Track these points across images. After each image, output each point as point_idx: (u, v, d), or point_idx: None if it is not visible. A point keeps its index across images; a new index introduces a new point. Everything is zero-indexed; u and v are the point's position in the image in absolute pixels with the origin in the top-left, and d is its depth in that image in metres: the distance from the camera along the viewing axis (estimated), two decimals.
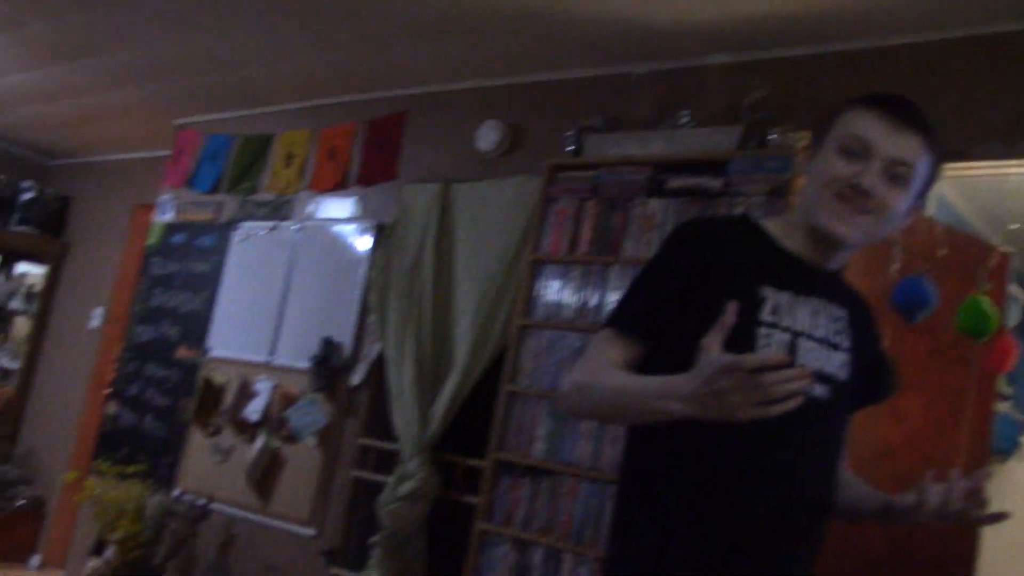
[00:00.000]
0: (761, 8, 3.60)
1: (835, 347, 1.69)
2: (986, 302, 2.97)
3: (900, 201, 1.65)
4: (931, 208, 3.86)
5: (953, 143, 3.32)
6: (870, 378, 1.81)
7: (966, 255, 3.40)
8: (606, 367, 1.63)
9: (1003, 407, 4.40)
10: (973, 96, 3.42)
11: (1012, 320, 4.25)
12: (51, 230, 7.52)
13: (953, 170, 3.45)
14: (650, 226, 3.75)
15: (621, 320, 1.71)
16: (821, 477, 1.70)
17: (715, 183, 3.61)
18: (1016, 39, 3.39)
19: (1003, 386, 4.38)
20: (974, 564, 3.55)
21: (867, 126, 1.64)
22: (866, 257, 3.29)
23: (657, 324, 1.66)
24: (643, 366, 1.65)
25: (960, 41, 3.50)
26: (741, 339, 1.55)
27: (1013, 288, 3.92)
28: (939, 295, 2.96)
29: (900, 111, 1.65)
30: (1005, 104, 3.34)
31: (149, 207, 6.52)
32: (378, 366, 4.67)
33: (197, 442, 5.37)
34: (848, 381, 1.71)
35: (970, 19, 3.43)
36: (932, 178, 1.72)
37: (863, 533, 3.17)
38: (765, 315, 1.62)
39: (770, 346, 1.60)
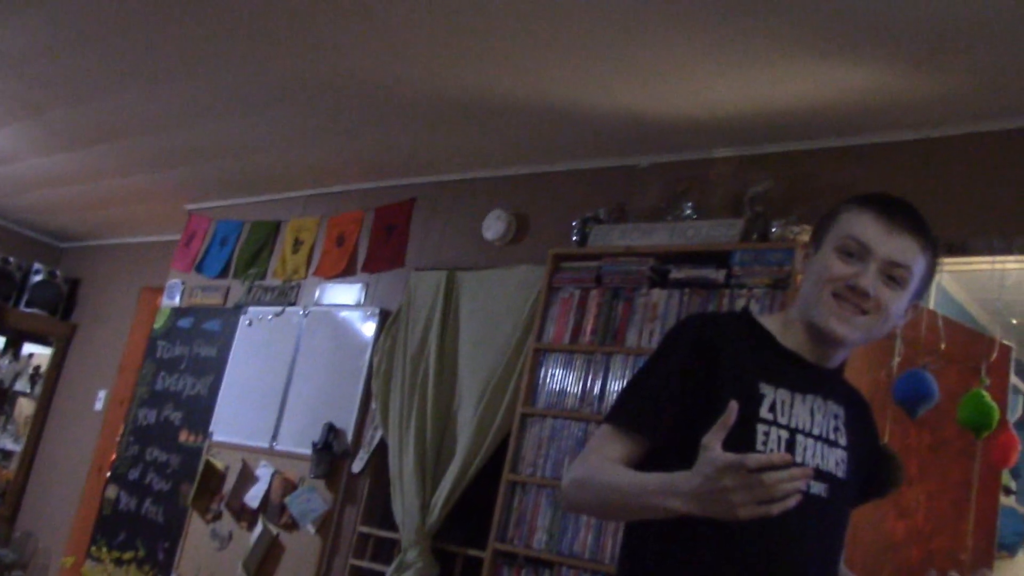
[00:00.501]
0: (764, 104, 3.69)
1: (833, 444, 1.70)
2: (987, 396, 2.97)
3: (897, 301, 1.68)
4: (932, 301, 3.89)
5: (952, 238, 3.38)
6: (869, 475, 1.81)
7: (967, 348, 3.41)
8: (606, 463, 1.63)
9: (1008, 501, 4.36)
10: (971, 192, 3.48)
11: (1014, 414, 4.24)
12: (59, 312, 7.58)
13: (953, 264, 3.49)
14: (653, 316, 3.78)
15: (622, 416, 1.69)
16: (820, 574, 1.70)
17: (718, 275, 3.65)
18: (1012, 137, 3.46)
19: (1007, 480, 4.35)
20: None
21: (864, 228, 1.67)
22: (868, 351, 3.31)
23: (659, 421, 1.65)
24: (643, 463, 1.65)
25: (958, 139, 3.57)
26: (740, 435, 1.57)
27: (1015, 381, 3.92)
28: (941, 389, 2.97)
29: (897, 213, 1.67)
30: (1002, 200, 3.39)
31: (157, 291, 6.58)
32: (379, 453, 4.65)
33: (196, 528, 5.32)
34: (846, 479, 1.71)
35: (968, 117, 3.51)
36: (930, 277, 1.74)
37: None
38: (764, 412, 1.63)
39: (768, 443, 1.61)
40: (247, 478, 5.15)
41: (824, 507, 1.67)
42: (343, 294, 5.25)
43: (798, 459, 1.63)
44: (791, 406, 1.66)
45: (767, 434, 1.62)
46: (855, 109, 3.59)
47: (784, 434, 1.63)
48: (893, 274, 1.66)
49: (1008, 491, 4.42)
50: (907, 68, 3.24)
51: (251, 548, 4.88)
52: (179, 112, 4.81)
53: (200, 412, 5.65)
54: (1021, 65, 3.12)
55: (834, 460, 1.69)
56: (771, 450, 1.61)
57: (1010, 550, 4.27)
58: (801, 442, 1.65)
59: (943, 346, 3.23)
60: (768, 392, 1.64)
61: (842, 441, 1.72)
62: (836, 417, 1.73)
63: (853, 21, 3.01)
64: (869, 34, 3.07)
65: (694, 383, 1.63)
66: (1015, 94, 3.32)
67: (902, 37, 3.06)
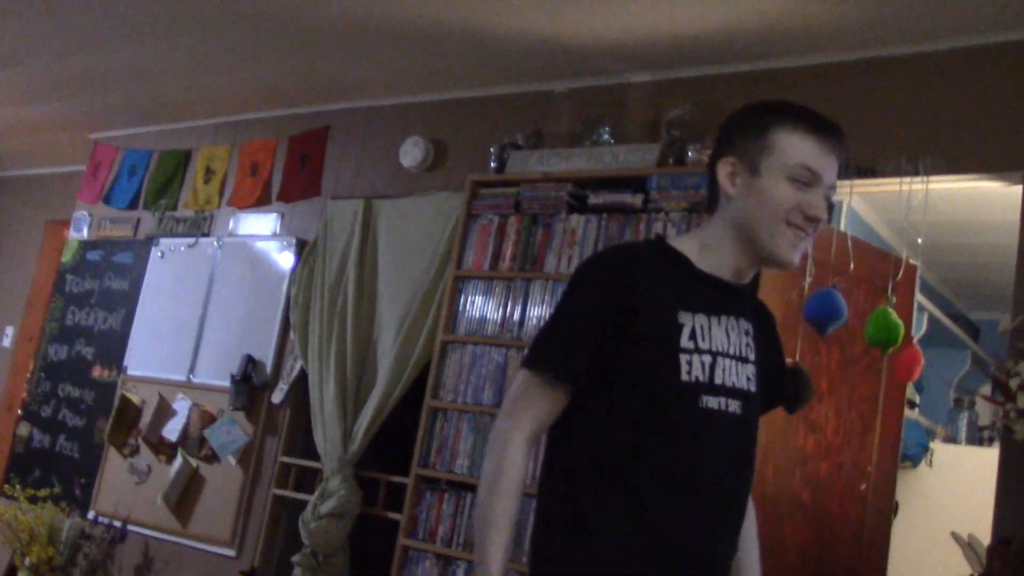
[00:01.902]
0: (679, 28, 3.68)
1: (745, 360, 1.75)
2: (893, 314, 3.06)
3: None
4: (843, 223, 3.99)
5: (861, 160, 3.45)
6: (773, 385, 1.86)
7: (875, 268, 3.51)
8: (515, 472, 1.63)
9: (912, 414, 4.54)
10: (880, 115, 3.55)
11: (919, 331, 4.40)
12: None
13: (862, 186, 3.57)
14: (572, 242, 3.80)
15: (543, 363, 1.69)
16: (741, 487, 1.77)
17: (635, 199, 3.68)
18: (919, 61, 3.53)
19: (911, 394, 4.52)
20: (885, 569, 3.65)
21: (811, 154, 1.68)
22: (780, 272, 3.38)
23: (579, 366, 1.66)
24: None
25: (867, 62, 3.63)
26: (665, 366, 1.64)
27: (920, 299, 4.06)
28: (850, 308, 3.05)
29: (833, 136, 1.70)
30: (909, 122, 3.47)
31: (63, 223, 6.37)
32: (300, 384, 4.63)
33: (113, 463, 5.25)
34: (756, 392, 1.77)
35: (876, 40, 3.56)
36: None
37: (780, 540, 3.25)
38: (685, 341, 1.66)
39: (692, 371, 1.65)
40: (165, 412, 5.08)
41: (739, 423, 1.72)
42: (258, 224, 5.15)
43: (717, 381, 1.68)
44: (709, 330, 1.69)
45: (690, 363, 1.65)
46: (769, 33, 3.62)
47: (707, 359, 1.67)
48: (828, 195, 1.71)
49: (912, 404, 4.60)
50: None
51: (171, 481, 4.84)
52: (80, 37, 4.61)
53: (113, 347, 5.54)
54: None
55: (746, 376, 1.74)
56: (695, 377, 1.65)
57: (913, 461, 4.45)
58: (720, 363, 1.69)
59: (852, 267, 3.32)
60: (687, 320, 1.67)
61: (752, 356, 1.77)
62: (747, 333, 1.77)
63: None
64: None
65: (612, 322, 1.64)
66: (918, 19, 3.37)
67: None
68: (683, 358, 1.65)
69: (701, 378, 1.66)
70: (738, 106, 1.82)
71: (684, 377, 1.65)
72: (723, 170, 1.72)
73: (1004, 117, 3.31)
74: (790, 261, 1.71)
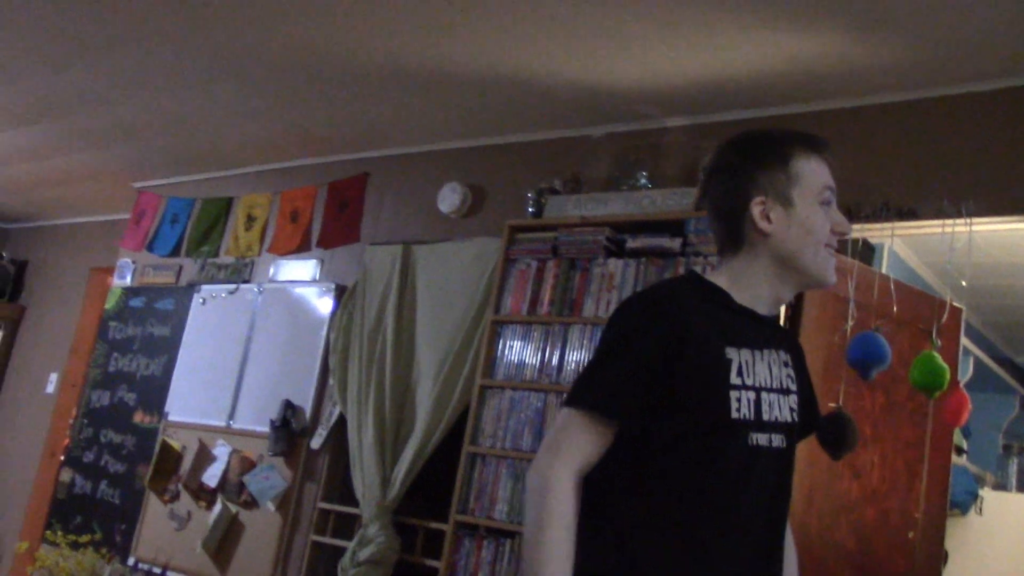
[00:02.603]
0: (715, 73, 3.69)
1: (787, 392, 1.74)
2: (939, 357, 3.01)
3: None
4: (884, 265, 3.95)
5: (902, 203, 3.42)
6: (808, 414, 1.85)
7: (918, 311, 3.47)
8: (569, 515, 1.57)
9: (959, 460, 4.45)
10: (920, 157, 3.52)
11: (965, 375, 4.32)
12: (7, 294, 7.43)
13: (903, 228, 3.53)
14: (610, 286, 3.79)
15: (594, 401, 1.64)
16: (783, 517, 1.76)
17: (673, 243, 3.67)
18: (959, 103, 3.51)
19: (959, 440, 4.43)
20: None
21: (827, 173, 1.74)
22: (821, 313, 3.35)
23: (633, 404, 1.63)
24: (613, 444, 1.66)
25: (906, 104, 3.61)
26: (717, 403, 1.63)
27: (965, 343, 3.99)
28: (893, 351, 3.00)
29: (830, 152, 1.77)
30: (950, 165, 3.44)
31: (107, 271, 6.47)
32: (338, 429, 4.63)
33: (154, 509, 5.27)
34: (797, 422, 1.77)
35: (916, 84, 3.55)
36: None
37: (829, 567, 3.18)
38: (734, 377, 1.65)
39: (741, 408, 1.64)
40: (204, 457, 5.11)
41: (782, 456, 1.72)
42: (298, 270, 5.20)
43: (765, 417, 1.67)
44: (753, 365, 1.69)
45: (739, 399, 1.64)
46: (805, 77, 3.61)
47: (752, 395, 1.66)
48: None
49: (959, 450, 4.51)
50: (855, 36, 3.26)
51: (210, 527, 4.84)
52: (124, 87, 4.71)
53: (155, 392, 5.59)
54: (966, 33, 3.16)
55: (788, 407, 1.74)
56: (744, 414, 1.64)
57: (962, 508, 4.36)
58: (765, 399, 1.69)
59: (895, 309, 3.27)
60: (733, 356, 1.66)
61: (793, 387, 1.77)
62: (787, 364, 1.77)
63: None
64: (819, 5, 3.08)
65: (663, 360, 1.62)
66: (960, 61, 3.35)
67: (849, 5, 3.07)
68: (733, 395, 1.64)
69: (749, 415, 1.65)
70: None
71: (734, 415, 1.64)
72: (756, 210, 1.70)
73: None
74: (832, 280, 1.76)
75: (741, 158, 1.76)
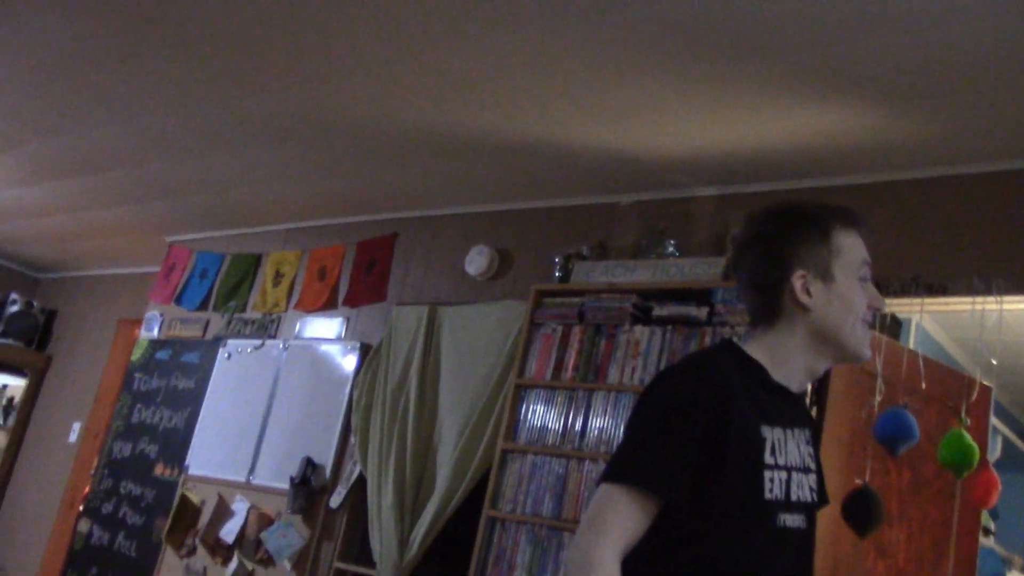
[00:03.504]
0: (744, 145, 3.72)
1: (808, 471, 1.72)
2: (968, 436, 2.98)
3: None
4: (912, 341, 3.92)
5: (932, 279, 3.41)
6: (822, 490, 1.82)
7: (947, 388, 3.43)
8: None
9: (987, 542, 4.36)
10: (950, 233, 3.51)
11: (994, 454, 4.26)
12: (35, 343, 7.51)
13: (933, 304, 3.51)
14: (635, 353, 3.78)
15: (643, 477, 1.57)
16: None
17: (700, 312, 3.67)
18: (990, 180, 3.51)
19: (987, 521, 4.35)
20: None
21: (865, 249, 1.74)
22: (849, 388, 3.32)
23: (683, 481, 1.56)
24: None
25: (936, 180, 3.62)
26: (751, 484, 1.59)
27: (994, 421, 3.94)
28: (921, 428, 2.97)
29: (867, 226, 1.77)
30: (981, 242, 3.43)
31: (135, 322, 6.53)
32: (358, 488, 4.61)
33: (170, 563, 5.24)
34: (817, 502, 1.74)
35: (945, 160, 3.56)
36: None
37: None
38: (767, 457, 1.63)
39: (774, 489, 1.62)
40: (223, 512, 5.09)
41: (805, 536, 1.70)
42: (324, 327, 5.23)
43: (793, 498, 1.65)
44: (785, 444, 1.66)
45: (772, 480, 1.62)
46: (834, 150, 3.63)
47: (783, 475, 1.64)
48: None
49: (987, 531, 4.43)
50: (886, 112, 3.28)
51: None
52: (160, 146, 4.81)
53: (176, 445, 5.59)
54: (996, 110, 3.17)
55: (809, 486, 1.71)
56: (776, 495, 1.62)
57: None
58: (794, 479, 1.67)
59: (923, 386, 3.25)
60: (767, 434, 1.64)
61: (813, 465, 1.74)
62: (807, 442, 1.75)
63: (832, 66, 3.06)
64: (848, 79, 3.11)
65: (709, 436, 1.58)
66: (990, 138, 3.36)
67: (880, 82, 3.10)
68: (766, 475, 1.61)
69: (779, 496, 1.62)
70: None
71: (767, 495, 1.61)
72: (797, 283, 1.68)
73: None
74: (868, 355, 1.75)
75: (782, 229, 1.74)
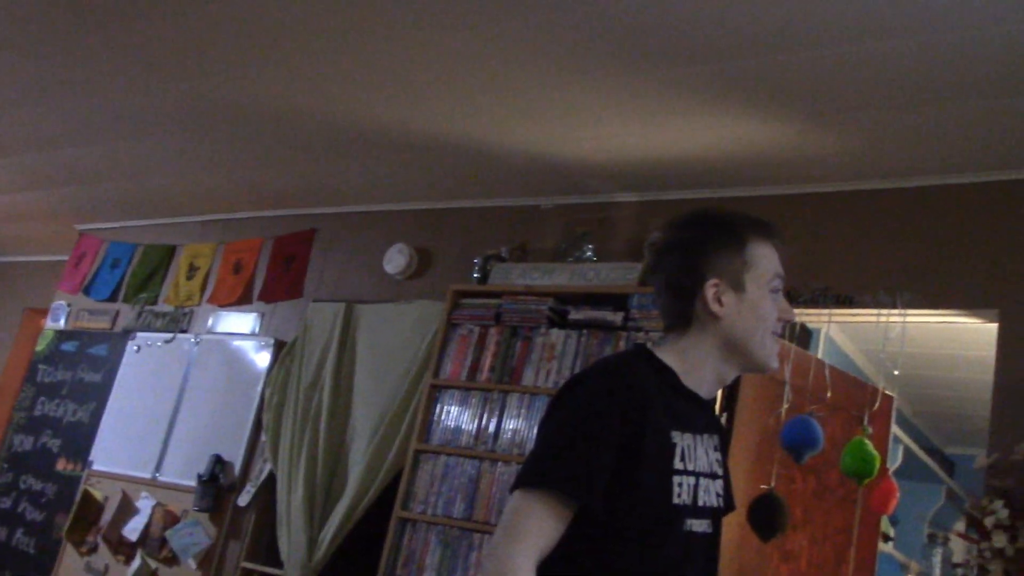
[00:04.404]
0: (666, 153, 3.77)
1: (715, 477, 1.74)
2: (870, 444, 3.05)
3: None
4: (820, 351, 4.01)
5: (840, 290, 3.50)
6: (728, 495, 1.83)
7: (852, 397, 3.52)
8: None
9: (886, 548, 4.48)
10: (860, 247, 3.61)
11: (894, 462, 4.38)
12: None
13: (840, 315, 3.60)
14: (551, 356, 3.79)
15: (567, 484, 1.55)
16: None
17: (616, 317, 3.70)
18: (900, 196, 3.61)
19: (886, 527, 4.48)
20: None
21: (778, 261, 1.75)
22: (758, 395, 3.39)
23: (603, 484, 1.55)
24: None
25: (849, 195, 3.71)
26: (661, 489, 1.60)
27: (896, 431, 4.06)
28: (826, 436, 3.04)
29: (782, 238, 1.79)
30: (888, 256, 3.53)
31: (41, 312, 6.33)
32: (268, 487, 4.54)
33: (70, 560, 5.09)
34: (722, 506, 1.76)
35: (858, 175, 3.65)
36: None
37: None
38: (677, 462, 1.64)
39: (682, 495, 1.63)
40: (127, 509, 4.96)
41: (710, 540, 1.71)
42: (237, 323, 5.14)
43: (700, 503, 1.66)
44: (694, 450, 1.68)
45: (680, 484, 1.63)
46: (752, 161, 3.70)
47: (691, 480, 1.65)
48: None
49: (886, 538, 4.55)
50: (802, 125, 3.36)
51: None
52: (73, 131, 4.67)
53: (81, 440, 5.44)
54: (907, 128, 3.27)
55: (715, 492, 1.73)
56: (683, 500, 1.63)
57: None
58: (702, 484, 1.68)
59: (829, 394, 3.32)
60: (678, 440, 1.65)
61: (720, 471, 1.76)
62: (715, 449, 1.77)
63: (753, 77, 3.11)
64: (767, 91, 3.17)
65: (626, 441, 1.57)
66: (902, 155, 3.47)
67: (798, 95, 3.17)
68: (675, 480, 1.62)
69: (687, 501, 1.63)
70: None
71: (675, 500, 1.61)
72: (709, 292, 1.69)
73: (981, 255, 3.37)
74: (775, 367, 1.76)
75: (699, 237, 1.75)
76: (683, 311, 1.74)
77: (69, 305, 6.00)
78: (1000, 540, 2.86)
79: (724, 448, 1.83)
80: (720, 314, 1.70)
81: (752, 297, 1.71)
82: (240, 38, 3.47)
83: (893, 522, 4.85)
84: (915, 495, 5.25)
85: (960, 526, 4.89)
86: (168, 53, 3.69)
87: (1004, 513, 2.89)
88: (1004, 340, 3.26)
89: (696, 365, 1.73)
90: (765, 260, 1.73)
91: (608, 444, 1.57)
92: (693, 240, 1.75)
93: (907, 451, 4.76)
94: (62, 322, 5.99)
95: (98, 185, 5.44)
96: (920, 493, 5.48)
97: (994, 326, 3.33)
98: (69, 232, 6.24)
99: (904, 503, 3.64)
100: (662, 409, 1.63)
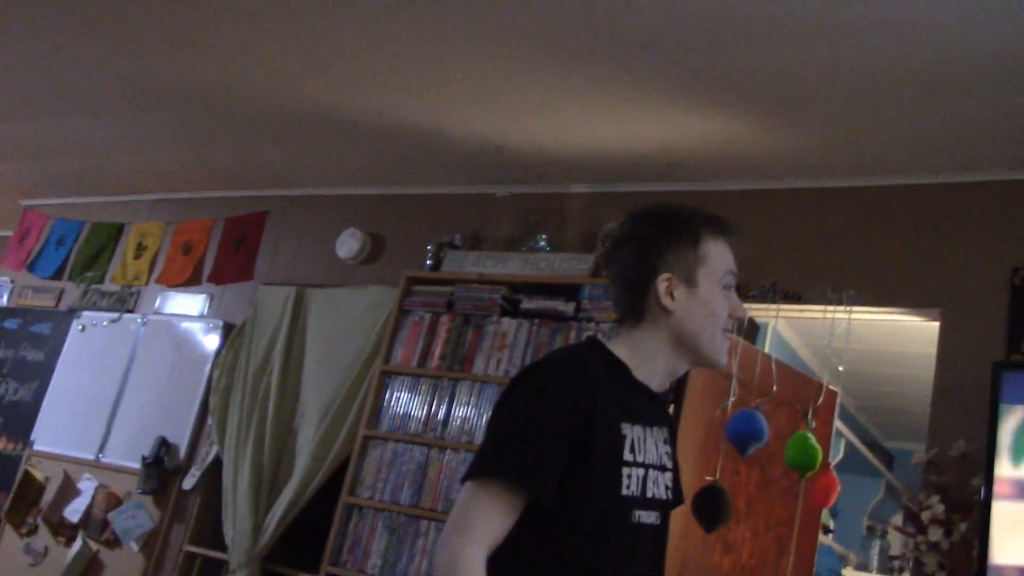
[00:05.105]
0: (621, 145, 3.79)
1: (664, 469, 1.75)
2: (812, 438, 3.10)
3: None
4: (767, 345, 4.06)
5: (789, 286, 3.55)
6: (677, 488, 1.86)
7: (797, 391, 3.57)
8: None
9: (826, 540, 4.56)
10: (808, 244, 3.67)
11: (836, 456, 4.46)
12: None
13: (787, 311, 3.66)
14: (502, 344, 3.80)
15: (518, 474, 1.56)
16: None
17: (567, 307, 3.72)
18: (848, 195, 3.67)
19: (827, 519, 4.56)
20: None
21: (732, 258, 1.76)
22: (705, 387, 3.43)
23: (553, 474, 1.56)
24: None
25: (800, 192, 3.77)
26: (609, 480, 1.61)
27: (838, 425, 4.13)
28: (771, 429, 3.08)
29: (737, 236, 1.79)
30: (836, 254, 3.59)
31: None
32: (213, 471, 4.50)
33: (9, 542, 5.01)
34: (671, 499, 1.78)
35: (809, 173, 3.71)
36: None
37: None
38: (627, 454, 1.65)
39: (631, 486, 1.64)
40: (69, 491, 4.89)
41: (658, 532, 1.73)
42: (186, 304, 5.08)
43: (648, 494, 1.68)
44: (644, 442, 1.69)
45: (629, 476, 1.64)
46: (706, 156, 3.74)
47: (640, 472, 1.67)
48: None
49: (826, 530, 4.64)
50: (756, 121, 3.40)
51: (68, 565, 4.63)
52: (18, 104, 4.56)
53: (22, 419, 5.34)
54: (859, 128, 3.32)
55: (664, 485, 1.74)
56: (632, 491, 1.64)
57: None
58: (651, 476, 1.69)
59: (775, 388, 3.37)
60: (627, 431, 1.66)
61: (669, 464, 1.78)
62: (665, 441, 1.78)
63: (711, 75, 3.14)
64: (722, 86, 3.21)
65: (576, 432, 1.58)
66: (852, 155, 3.52)
67: (752, 92, 3.21)
68: (625, 471, 1.63)
69: (635, 492, 1.65)
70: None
71: (624, 491, 1.63)
72: (661, 286, 1.70)
73: (925, 255, 3.45)
74: (724, 362, 1.76)
75: (653, 231, 1.76)
76: (635, 304, 1.75)
77: (12, 282, 5.89)
78: (936, 534, 2.93)
79: (673, 440, 1.85)
80: (671, 308, 1.71)
81: (704, 293, 1.72)
82: (191, 15, 3.42)
83: (833, 514, 4.94)
84: (855, 488, 5.35)
85: (898, 519, 5.00)
86: (118, 28, 3.62)
87: (940, 508, 2.96)
88: (945, 338, 3.34)
89: (647, 358, 1.74)
90: (718, 256, 1.74)
91: (559, 435, 1.58)
92: (647, 234, 1.76)
93: (849, 445, 4.85)
94: (4, 299, 5.88)
95: (45, 161, 5.33)
96: (860, 486, 5.59)
97: (936, 324, 3.41)
98: (13, 207, 6.11)
99: (844, 496, 3.70)
100: (612, 401, 1.64)
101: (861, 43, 2.82)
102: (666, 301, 1.71)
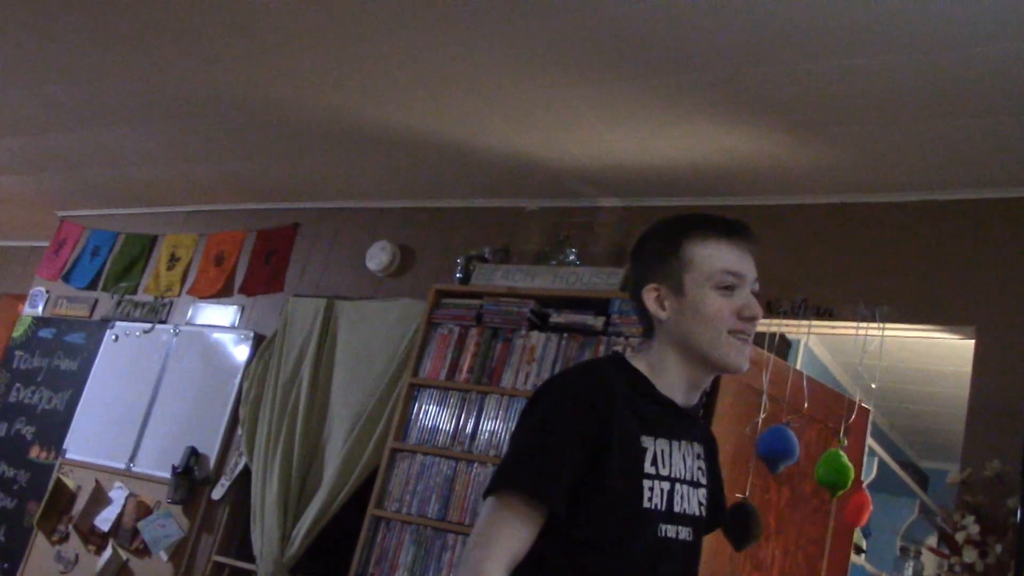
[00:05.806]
0: (652, 160, 3.77)
1: (697, 485, 1.73)
2: (844, 456, 3.07)
3: None
4: (799, 362, 4.03)
5: (821, 303, 3.51)
6: (713, 510, 1.84)
7: (828, 409, 3.53)
8: None
9: (858, 560, 4.50)
10: (841, 260, 3.63)
11: (869, 475, 4.40)
12: None
13: (819, 327, 3.62)
14: (531, 358, 3.79)
15: (536, 488, 1.57)
16: None
17: (596, 322, 3.70)
18: (881, 211, 3.63)
19: (859, 539, 4.50)
20: None
21: (730, 258, 1.70)
22: (735, 403, 3.40)
23: (564, 492, 1.56)
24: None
25: (833, 207, 3.73)
26: (629, 492, 1.59)
27: (871, 443, 4.07)
28: (801, 447, 3.05)
29: (745, 235, 1.73)
30: (869, 270, 3.55)
31: (19, 298, 6.28)
32: (242, 481, 4.52)
33: (40, 549, 5.05)
34: (705, 517, 1.76)
35: (842, 188, 3.67)
36: None
37: None
38: (648, 466, 1.63)
39: (653, 498, 1.62)
40: (100, 499, 4.93)
41: (689, 549, 1.70)
42: (217, 315, 5.11)
43: (676, 509, 1.66)
44: (669, 455, 1.67)
45: (651, 489, 1.63)
46: (736, 171, 3.71)
47: (665, 486, 1.65)
48: (755, 291, 1.73)
49: (858, 550, 4.57)
50: (787, 137, 3.37)
51: (97, 573, 4.66)
52: (61, 116, 4.63)
53: (55, 428, 5.40)
54: (891, 143, 3.29)
55: (697, 500, 1.73)
56: (655, 504, 1.62)
57: None
58: (678, 490, 1.67)
59: (806, 405, 3.33)
60: (649, 444, 1.64)
61: (703, 480, 1.75)
62: (698, 457, 1.76)
63: (740, 88, 3.12)
64: (754, 101, 3.19)
65: (593, 447, 1.58)
66: (885, 170, 3.49)
67: (784, 107, 3.18)
68: (646, 484, 1.62)
69: (660, 506, 1.63)
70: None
71: (646, 504, 1.61)
72: (649, 298, 1.70)
73: (960, 272, 3.40)
74: (740, 367, 1.70)
75: (640, 245, 1.78)
76: (643, 319, 1.76)
77: (48, 292, 5.96)
78: (970, 555, 2.88)
79: (712, 459, 1.83)
80: (663, 318, 1.70)
81: (692, 298, 1.69)
82: (228, 28, 3.46)
83: (866, 534, 4.87)
84: (888, 508, 5.28)
85: (932, 540, 4.92)
86: (153, 41, 3.67)
87: (975, 529, 2.91)
88: (980, 357, 3.29)
89: (662, 370, 1.72)
90: (706, 259, 1.69)
91: (573, 448, 1.58)
92: (637, 248, 1.79)
93: (881, 464, 4.79)
94: (40, 309, 5.95)
95: (81, 172, 5.40)
96: (893, 506, 5.51)
97: (971, 343, 3.35)
98: (50, 218, 6.19)
99: (877, 516, 3.66)
100: (630, 414, 1.63)
101: (894, 59, 2.79)
102: (656, 312, 1.71)
